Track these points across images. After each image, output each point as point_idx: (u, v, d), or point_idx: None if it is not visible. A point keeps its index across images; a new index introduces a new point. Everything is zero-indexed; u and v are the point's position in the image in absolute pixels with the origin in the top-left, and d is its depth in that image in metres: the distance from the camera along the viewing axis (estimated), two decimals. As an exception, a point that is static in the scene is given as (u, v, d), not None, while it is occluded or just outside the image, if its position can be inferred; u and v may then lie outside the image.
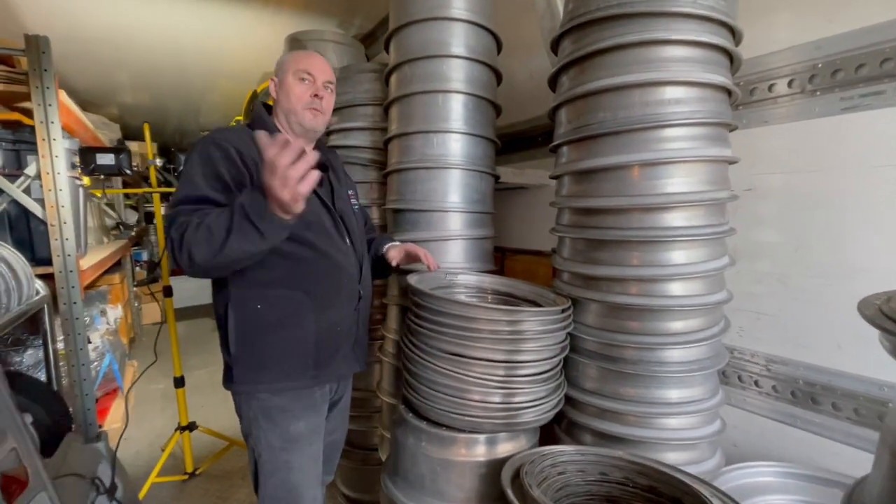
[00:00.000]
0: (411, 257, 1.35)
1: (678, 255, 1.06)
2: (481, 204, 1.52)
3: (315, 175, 0.89)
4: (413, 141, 1.48)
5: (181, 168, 1.12)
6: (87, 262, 2.39)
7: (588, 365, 1.17)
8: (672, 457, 1.09)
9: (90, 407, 2.08)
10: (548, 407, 1.07)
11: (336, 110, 1.92)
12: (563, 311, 1.08)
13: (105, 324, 2.84)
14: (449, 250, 1.48)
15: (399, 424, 1.14)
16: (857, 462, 1.05)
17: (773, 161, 1.19)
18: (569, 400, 1.18)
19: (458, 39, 1.44)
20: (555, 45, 1.24)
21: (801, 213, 1.15)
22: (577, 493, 0.98)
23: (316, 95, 1.21)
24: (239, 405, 1.21)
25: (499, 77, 1.57)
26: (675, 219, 1.05)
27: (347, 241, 1.27)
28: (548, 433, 1.24)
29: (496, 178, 1.60)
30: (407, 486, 1.07)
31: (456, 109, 1.45)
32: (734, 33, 1.04)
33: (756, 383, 1.25)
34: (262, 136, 0.88)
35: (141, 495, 1.99)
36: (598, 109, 1.07)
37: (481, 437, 1.04)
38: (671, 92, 1.00)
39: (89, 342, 2.62)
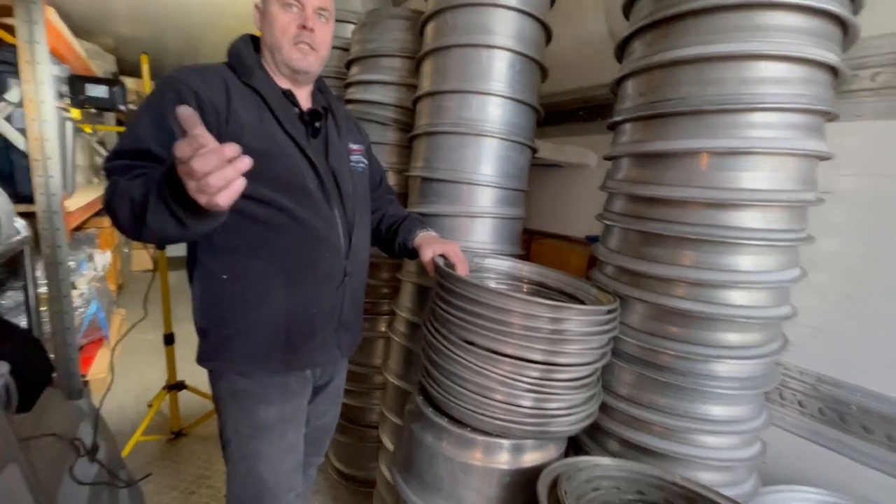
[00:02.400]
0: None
1: (746, 261, 0.94)
2: (517, 180, 1.37)
3: (240, 185, 0.68)
4: (447, 101, 1.31)
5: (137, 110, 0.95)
6: (74, 203, 2.21)
7: (625, 369, 1.06)
8: (706, 477, 1.00)
9: (73, 357, 1.97)
10: (583, 416, 0.97)
11: (358, 59, 1.73)
12: (611, 311, 0.96)
13: (92, 270, 2.70)
14: (476, 229, 1.35)
15: (416, 418, 1.03)
16: (907, 499, 0.97)
17: (860, 162, 1.05)
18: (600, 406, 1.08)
19: (511, -13, 1.25)
20: (629, 5, 1.07)
21: (885, 225, 1.02)
22: (610, 513, 0.89)
23: (304, 27, 1.00)
24: (211, 384, 1.09)
25: (549, 36, 1.39)
26: (749, 219, 0.92)
27: (335, 207, 1.06)
28: (570, 438, 1.15)
29: (534, 151, 1.45)
30: (422, 488, 0.98)
31: (500, 69, 1.28)
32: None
33: (800, 403, 1.15)
34: (183, 111, 0.65)
35: (125, 453, 1.91)
36: (680, 83, 0.92)
37: (507, 442, 0.94)
38: (774, 69, 0.85)
39: (74, 288, 2.48)
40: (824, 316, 1.11)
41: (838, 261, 1.09)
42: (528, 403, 0.93)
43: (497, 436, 0.94)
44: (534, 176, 1.65)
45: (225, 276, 1.00)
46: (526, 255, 1.60)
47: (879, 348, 1.03)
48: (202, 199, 0.68)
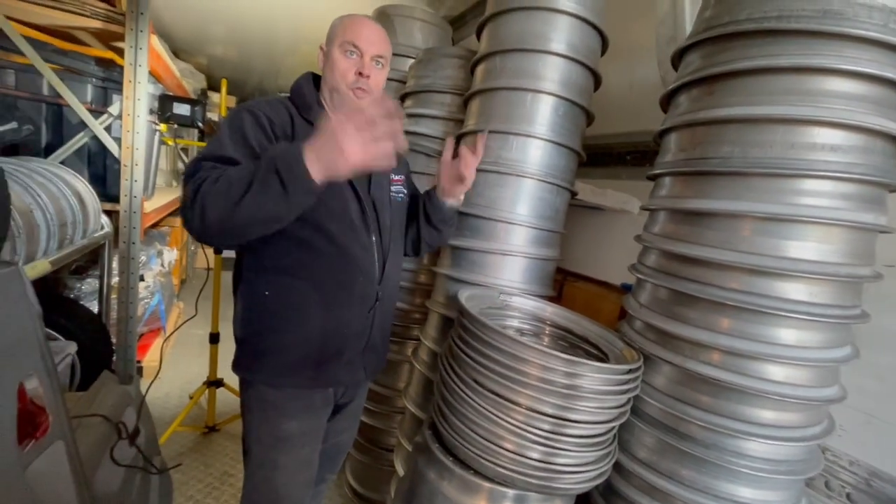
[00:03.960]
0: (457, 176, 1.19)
1: (787, 335, 0.87)
2: (552, 221, 1.37)
3: (400, 143, 0.83)
4: (490, 140, 1.34)
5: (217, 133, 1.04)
6: (151, 205, 2.47)
7: (646, 432, 1.00)
8: (730, 564, 0.92)
9: (132, 344, 2.16)
10: (593, 475, 0.93)
11: (412, 93, 1.82)
12: (632, 370, 0.92)
13: (160, 265, 2.96)
14: (507, 266, 1.35)
15: (422, 452, 1.04)
16: None
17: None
18: (616, 465, 1.02)
19: (561, 35, 1.28)
20: (677, 58, 1.06)
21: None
22: (611, 587, 0.83)
23: (361, 73, 1.06)
24: (240, 390, 1.16)
25: (598, 82, 1.39)
26: (792, 290, 0.86)
27: (373, 235, 1.12)
28: (584, 495, 1.10)
29: (573, 194, 1.44)
30: (418, 525, 0.97)
31: (543, 112, 1.30)
32: (923, 71, 0.81)
33: (848, 496, 1.03)
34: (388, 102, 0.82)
35: (161, 440, 2.04)
36: (724, 142, 0.89)
37: (510, 492, 0.92)
38: (827, 135, 0.80)
39: (142, 280, 2.74)
40: (883, 402, 1.00)
41: (903, 343, 0.98)
42: (535, 455, 0.91)
43: (500, 484, 0.92)
44: (574, 216, 1.64)
45: (267, 293, 1.06)
46: (557, 297, 1.57)
47: (946, 450, 0.91)
48: (356, 155, 0.80)
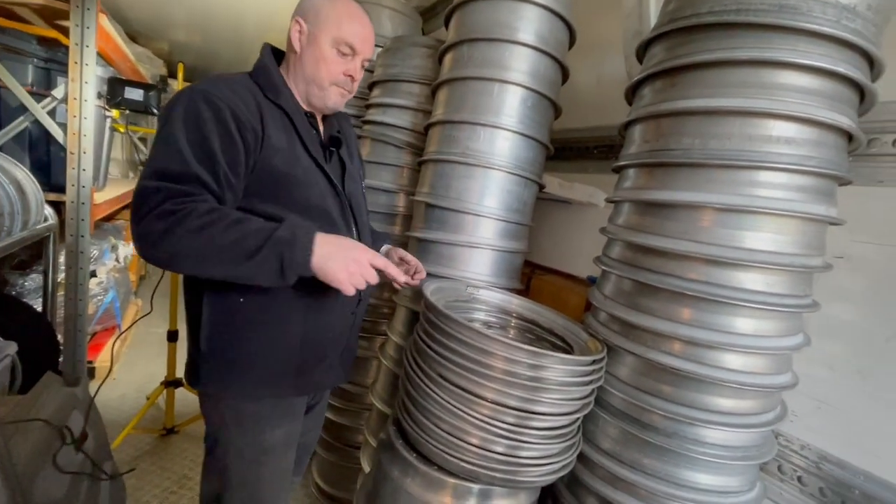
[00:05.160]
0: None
1: (744, 324, 0.89)
2: (520, 214, 1.36)
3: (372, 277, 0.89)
4: (457, 131, 1.32)
5: (163, 124, 0.86)
6: (103, 196, 2.33)
7: (610, 423, 1.01)
8: (688, 550, 0.93)
9: (81, 344, 2.03)
10: (557, 467, 0.92)
11: (380, 82, 1.77)
12: (595, 361, 0.92)
13: (114, 260, 2.81)
14: (475, 259, 1.33)
15: (386, 449, 1.01)
16: None
17: (879, 229, 0.99)
18: (580, 455, 1.03)
19: (529, 25, 1.27)
20: (641, 50, 1.06)
21: (904, 300, 0.95)
22: (574, 578, 0.83)
23: (351, 77, 1.00)
24: (205, 407, 1.04)
25: (566, 75, 1.39)
26: (749, 280, 0.87)
27: (354, 232, 1.07)
28: (548, 486, 1.10)
29: (541, 187, 1.43)
30: (381, 523, 0.95)
31: (511, 104, 1.28)
32: (873, 65, 0.84)
33: (800, 479, 1.07)
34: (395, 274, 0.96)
35: (115, 445, 1.94)
36: (685, 134, 0.89)
37: (475, 487, 0.91)
38: (782, 128, 0.82)
39: (95, 276, 2.58)
40: (832, 389, 1.04)
41: (852, 331, 1.02)
42: (500, 449, 0.89)
43: (465, 479, 0.90)
44: (541, 209, 1.64)
45: (242, 300, 0.95)
46: (525, 290, 1.57)
47: (887, 431, 0.95)
48: (348, 283, 0.84)
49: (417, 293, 1.17)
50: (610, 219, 1.10)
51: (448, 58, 1.40)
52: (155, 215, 0.77)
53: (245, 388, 0.98)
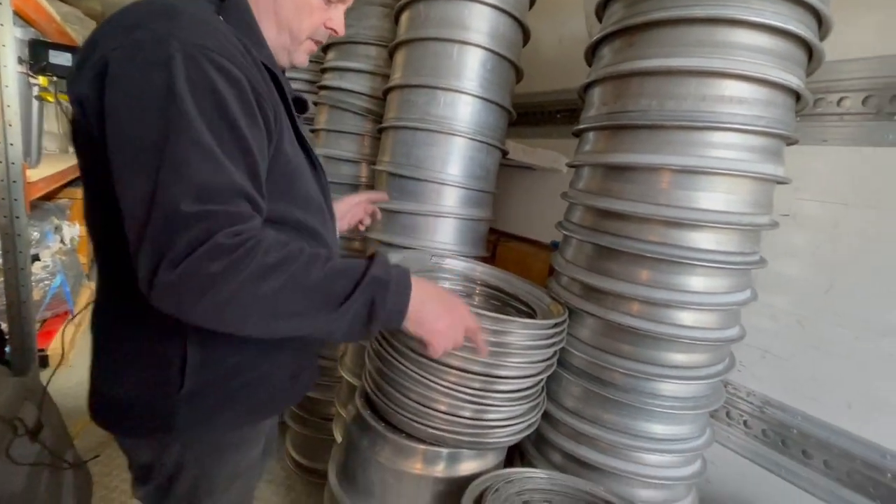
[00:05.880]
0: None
1: (697, 282, 0.92)
2: (484, 181, 1.34)
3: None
4: (415, 96, 1.28)
5: (142, 94, 0.56)
6: (38, 174, 2.14)
7: (572, 382, 1.05)
8: (644, 494, 1.00)
9: (29, 332, 1.92)
10: (522, 427, 0.95)
11: (334, 45, 1.68)
12: (557, 324, 0.94)
13: (59, 242, 2.63)
14: (439, 228, 1.32)
15: (355, 420, 1.01)
16: (838, 525, 0.98)
17: (822, 187, 1.04)
18: (545, 414, 1.07)
19: (487, -19, 1.21)
20: (601, 8, 1.03)
21: (841, 253, 1.01)
22: (539, 528, 0.88)
23: (333, 30, 0.80)
24: (160, 452, 0.76)
25: (526, 36, 1.35)
26: (702, 239, 0.90)
27: (335, 220, 0.90)
28: (516, 443, 1.15)
29: (504, 153, 1.42)
30: (353, 492, 0.96)
31: (471, 66, 1.24)
32: (821, 23, 0.85)
33: (745, 423, 1.16)
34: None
35: (76, 432, 1.87)
36: (643, 95, 0.89)
37: (444, 451, 0.93)
38: (735, 88, 0.83)
39: (38, 260, 2.42)
40: (775, 339, 1.11)
41: (793, 285, 1.09)
42: (467, 414, 0.91)
43: (433, 444, 0.92)
44: (505, 176, 1.63)
45: None
46: (491, 258, 1.58)
47: (823, 375, 1.03)
48: (441, 347, 0.71)
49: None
50: (571, 184, 1.11)
51: (404, 17, 1.33)
52: (203, 255, 0.53)
53: (238, 418, 0.77)
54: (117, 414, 0.73)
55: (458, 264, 1.21)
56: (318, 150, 1.72)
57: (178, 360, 0.69)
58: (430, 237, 1.31)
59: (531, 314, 1.09)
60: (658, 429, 0.99)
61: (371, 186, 1.65)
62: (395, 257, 1.08)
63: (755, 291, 0.99)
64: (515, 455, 1.18)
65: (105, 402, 0.74)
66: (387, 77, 1.56)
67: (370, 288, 0.61)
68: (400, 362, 0.92)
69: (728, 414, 1.18)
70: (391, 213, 1.35)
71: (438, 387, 0.90)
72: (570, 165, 1.10)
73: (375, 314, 0.61)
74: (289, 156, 0.71)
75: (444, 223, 1.32)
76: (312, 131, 1.79)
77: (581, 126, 1.04)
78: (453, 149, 1.28)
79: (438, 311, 0.69)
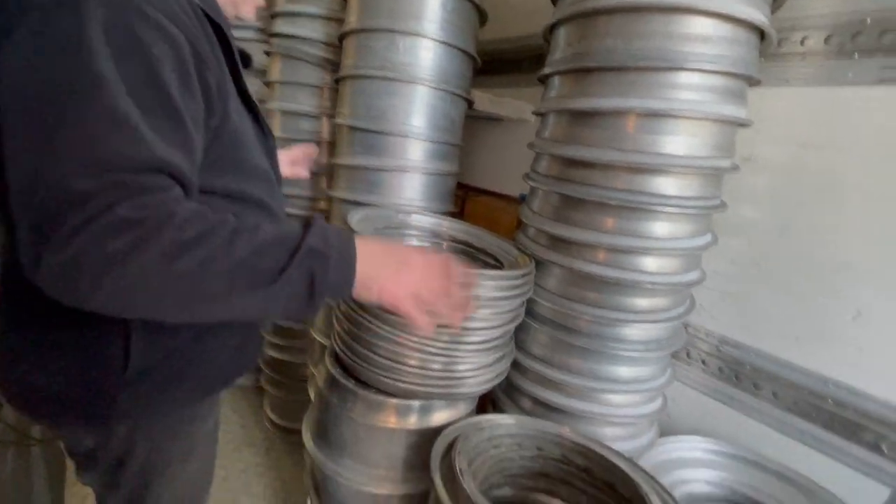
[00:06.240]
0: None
1: (660, 228, 0.93)
2: (449, 133, 1.30)
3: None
4: (373, 41, 1.19)
5: (44, 43, 0.47)
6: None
7: (540, 331, 1.07)
8: (609, 431, 1.05)
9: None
10: (491, 375, 0.97)
11: (283, -14, 1.54)
12: (524, 275, 0.94)
13: None
14: (405, 184, 1.28)
15: (325, 379, 1.01)
16: (783, 446, 1.07)
17: (782, 129, 1.05)
18: (514, 363, 1.09)
19: None
20: (566, -60, 0.97)
21: (798, 194, 1.03)
22: (511, 469, 0.92)
23: None
24: (104, 437, 0.70)
25: (489, -26, 1.27)
26: (666, 185, 0.90)
27: (279, 185, 0.82)
28: (487, 392, 1.18)
29: (469, 103, 1.36)
30: (327, 448, 0.97)
31: (432, 7, 1.16)
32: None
33: (703, 362, 1.22)
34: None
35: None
36: (608, 34, 0.85)
37: (416, 404, 0.94)
38: (700, 25, 0.80)
39: None
40: (733, 281, 1.15)
41: (751, 228, 1.11)
42: (437, 367, 0.92)
43: (404, 397, 0.93)
44: (472, 128, 1.58)
45: None
46: (460, 213, 1.56)
47: (775, 313, 1.08)
48: (420, 316, 0.60)
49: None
50: (537, 132, 1.08)
51: (357, -48, 1.22)
52: (100, 230, 0.44)
53: (186, 396, 0.72)
54: (43, 402, 0.65)
55: (424, 220, 1.19)
56: (273, 105, 1.61)
57: (119, 343, 0.62)
58: (395, 193, 1.27)
59: (499, 267, 1.09)
60: (622, 371, 1.03)
61: (334, 143, 1.57)
62: (358, 215, 1.04)
63: (715, 236, 1.01)
64: (487, 403, 1.22)
65: (25, 390, 0.65)
66: (340, 21, 1.45)
67: (307, 261, 0.52)
68: (368, 320, 0.91)
69: (688, 354, 1.24)
70: (354, 169, 1.29)
71: (408, 342, 0.90)
72: (536, 113, 1.06)
73: (316, 289, 0.53)
74: (235, 124, 0.63)
75: (409, 178, 1.28)
76: (266, 84, 1.67)
77: (546, 70, 1.00)
78: (416, 98, 1.22)
79: (397, 273, 0.60)
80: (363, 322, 0.92)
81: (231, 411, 2.04)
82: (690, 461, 1.07)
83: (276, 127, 1.66)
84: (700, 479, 1.04)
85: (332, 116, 1.59)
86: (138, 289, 0.47)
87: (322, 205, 1.69)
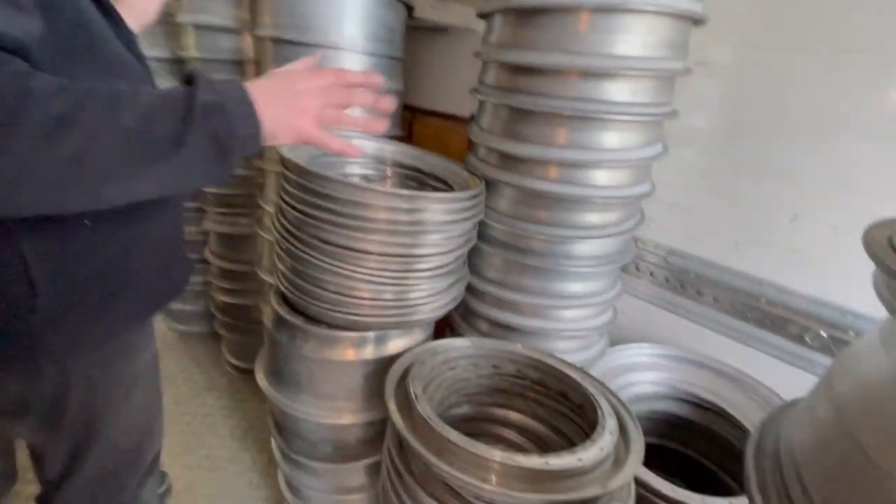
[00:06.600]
0: None
1: (611, 138, 0.90)
2: (388, 45, 1.16)
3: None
4: (288, -70, 1.01)
5: None
6: None
7: (493, 254, 1.05)
8: (563, 345, 1.09)
9: None
10: (446, 300, 0.96)
11: None
12: (474, 196, 0.90)
13: None
14: (342, 105, 1.16)
15: (271, 318, 0.96)
16: (721, 345, 1.14)
17: (736, 31, 1.00)
18: (470, 288, 1.08)
19: None
20: None
21: (748, 99, 1.02)
22: (468, 389, 0.94)
23: None
24: (31, 381, 0.66)
25: None
26: (618, 91, 0.85)
27: None
28: (444, 317, 1.18)
29: (409, 9, 1.22)
30: (281, 385, 0.95)
31: None
32: None
33: (651, 273, 1.26)
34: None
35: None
36: (556, -89, 0.74)
37: (371, 335, 0.92)
38: None
39: None
40: (681, 192, 1.16)
41: (700, 136, 1.10)
42: (389, 296, 0.89)
43: (356, 330, 0.91)
44: (416, 42, 1.43)
45: (87, 222, 0.59)
46: (408, 137, 1.46)
47: (718, 221, 1.11)
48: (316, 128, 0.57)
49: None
50: (483, 38, 0.98)
51: None
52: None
53: (114, 326, 0.67)
54: None
55: (366, 145, 1.09)
56: (184, 18, 1.39)
57: (18, 272, 0.56)
58: (333, 116, 1.15)
59: (449, 191, 1.03)
60: (574, 287, 1.04)
61: (259, 63, 1.39)
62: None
63: (666, 146, 0.99)
64: (446, 328, 1.23)
65: None
66: None
67: (205, 120, 0.48)
68: (310, 255, 0.85)
69: (637, 267, 1.28)
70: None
71: (356, 274, 0.85)
72: (480, 15, 0.96)
73: (226, 149, 0.49)
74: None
75: (347, 99, 1.15)
76: (170, -8, 1.42)
77: (489, -38, 0.88)
78: (347, 4, 1.07)
79: (297, 101, 0.56)
80: (306, 257, 0.86)
81: (188, 359, 1.99)
82: (637, 365, 1.14)
83: (191, 46, 1.44)
84: (646, 381, 1.12)
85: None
86: (25, 179, 0.41)
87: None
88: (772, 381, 1.02)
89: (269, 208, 1.29)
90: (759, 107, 1.00)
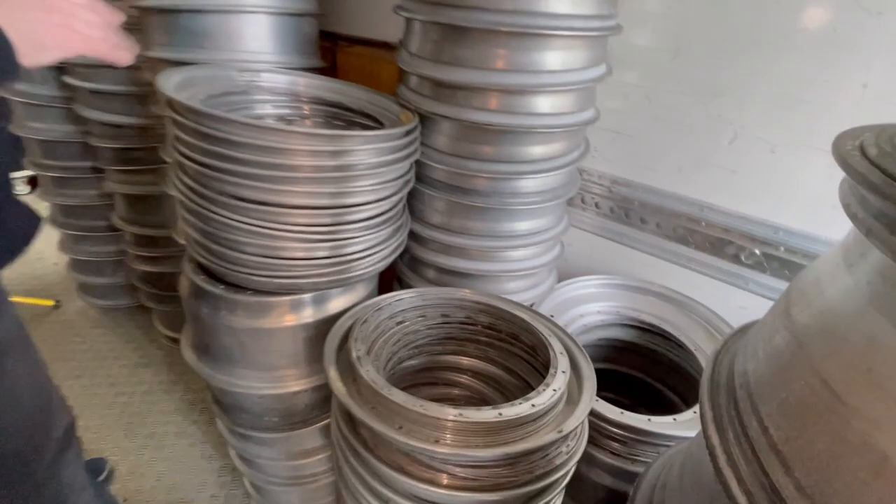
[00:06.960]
0: None
1: (553, 59, 0.81)
2: (289, -47, 0.97)
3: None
4: None
5: None
6: None
7: (435, 198, 0.97)
8: (512, 285, 1.06)
9: None
10: (386, 253, 0.88)
11: None
12: (408, 133, 0.79)
13: None
14: (245, 32, 0.98)
15: (189, 291, 0.85)
16: (664, 270, 1.17)
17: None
18: (413, 235, 1.01)
19: None
20: None
21: (690, 14, 0.95)
22: (417, 341, 0.89)
23: None
24: None
25: None
26: (559, 2, 0.76)
27: None
28: (389, 268, 1.11)
29: None
30: (212, 360, 0.86)
31: None
32: None
33: (597, 205, 1.24)
34: None
35: None
36: None
37: (307, 297, 0.83)
38: None
39: None
40: (625, 118, 1.11)
41: (643, 56, 1.04)
42: (322, 254, 0.80)
43: (288, 294, 0.82)
44: (329, -48, 1.22)
45: None
46: (331, 70, 1.29)
47: (662, 145, 1.08)
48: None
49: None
50: (403, -60, 0.83)
51: None
52: None
53: None
54: None
55: (277, 79, 0.94)
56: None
57: None
58: (233, 45, 0.97)
59: (380, 129, 0.92)
60: (521, 226, 0.99)
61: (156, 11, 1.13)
62: (176, 77, 0.77)
63: (610, 66, 0.92)
64: (393, 279, 1.16)
65: None
66: None
67: None
68: (219, 214, 0.73)
69: (582, 199, 1.25)
70: (170, 13, 0.95)
71: (279, 232, 0.75)
72: None
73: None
74: None
75: (251, 23, 0.97)
76: None
77: None
78: None
79: (48, 10, 0.50)
80: (216, 217, 0.74)
81: (116, 336, 1.82)
82: (585, 297, 1.15)
83: None
84: (593, 311, 1.13)
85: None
86: None
87: (147, 76, 1.30)
88: (712, 301, 1.06)
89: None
90: (703, 21, 0.94)
